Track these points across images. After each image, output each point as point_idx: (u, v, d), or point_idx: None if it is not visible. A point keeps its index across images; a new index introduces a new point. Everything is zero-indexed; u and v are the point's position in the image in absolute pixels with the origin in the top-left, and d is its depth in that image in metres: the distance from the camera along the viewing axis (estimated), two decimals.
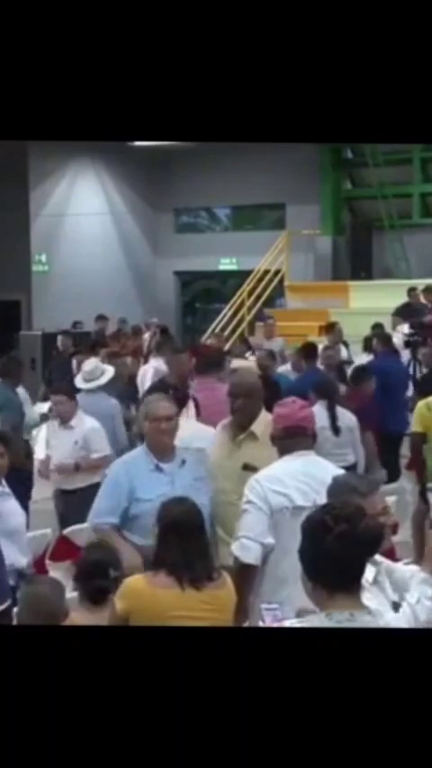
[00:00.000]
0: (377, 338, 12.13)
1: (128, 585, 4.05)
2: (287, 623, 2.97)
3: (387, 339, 12.01)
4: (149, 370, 11.20)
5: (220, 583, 4.08)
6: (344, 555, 2.85)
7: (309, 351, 11.12)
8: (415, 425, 8.03)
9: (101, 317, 17.89)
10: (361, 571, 2.92)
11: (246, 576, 4.67)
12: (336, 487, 4.04)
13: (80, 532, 6.90)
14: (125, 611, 3.99)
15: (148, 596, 3.98)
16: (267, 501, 4.66)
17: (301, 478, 4.71)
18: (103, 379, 8.89)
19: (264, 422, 5.38)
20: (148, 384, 9.92)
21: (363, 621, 2.85)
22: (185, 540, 4.05)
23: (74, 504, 7.46)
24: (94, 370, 8.94)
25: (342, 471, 4.98)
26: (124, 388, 10.42)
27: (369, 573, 3.58)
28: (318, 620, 2.87)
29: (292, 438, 4.82)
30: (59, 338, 15.70)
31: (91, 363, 9.21)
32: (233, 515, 4.99)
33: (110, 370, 9.10)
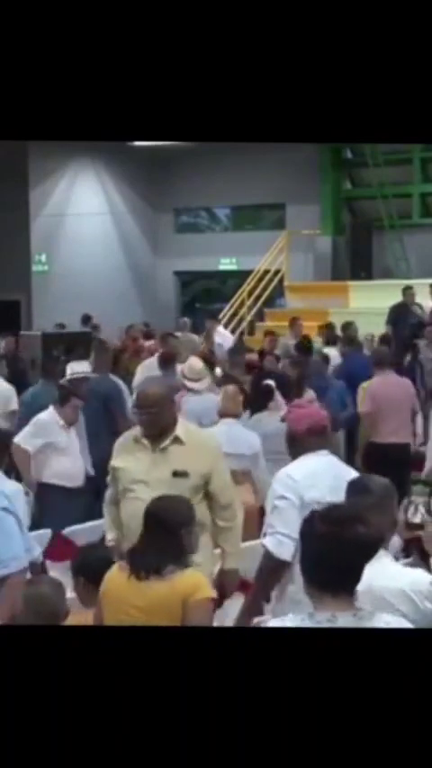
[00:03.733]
0: (343, 340, 12.31)
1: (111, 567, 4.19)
2: (271, 622, 2.97)
3: (351, 340, 12.35)
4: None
5: (167, 579, 3.95)
6: (330, 556, 2.85)
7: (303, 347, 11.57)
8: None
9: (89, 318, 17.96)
10: (351, 574, 2.89)
11: (279, 571, 4.67)
12: (350, 486, 4.05)
13: (81, 532, 6.93)
14: (101, 591, 4.13)
15: (109, 579, 4.12)
16: (300, 495, 4.66)
17: (328, 475, 4.76)
18: None
19: (183, 426, 5.30)
20: None
21: (344, 622, 2.84)
22: (148, 531, 4.12)
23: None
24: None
25: (352, 470, 5.05)
26: None
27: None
28: (298, 620, 2.89)
29: (317, 437, 4.90)
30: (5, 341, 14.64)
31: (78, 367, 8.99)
32: None
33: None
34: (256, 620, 4.83)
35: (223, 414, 7.55)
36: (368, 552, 2.94)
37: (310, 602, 2.94)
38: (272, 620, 2.98)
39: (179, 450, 5.19)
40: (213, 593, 4.09)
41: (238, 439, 7.31)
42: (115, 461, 5.35)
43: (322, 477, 4.73)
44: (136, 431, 5.37)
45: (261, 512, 7.58)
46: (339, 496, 4.61)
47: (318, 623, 2.84)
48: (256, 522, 7.07)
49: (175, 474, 5.10)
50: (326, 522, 2.88)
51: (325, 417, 5.09)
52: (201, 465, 5.17)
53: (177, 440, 5.20)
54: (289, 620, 2.92)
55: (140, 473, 5.15)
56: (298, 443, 4.96)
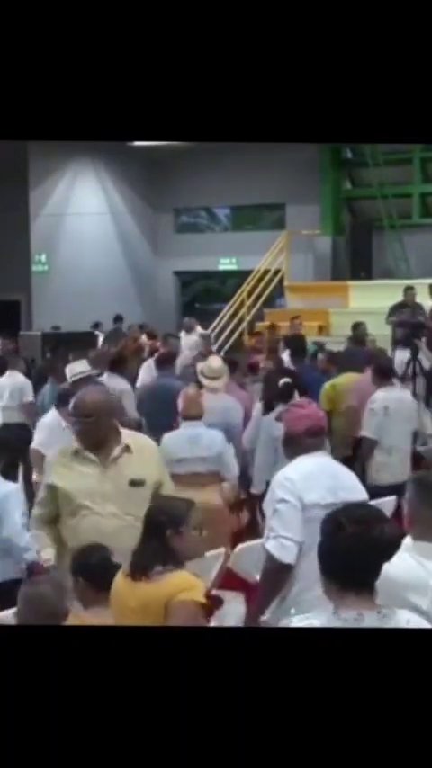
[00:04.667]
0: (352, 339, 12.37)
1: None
2: (295, 620, 2.98)
3: (359, 340, 12.45)
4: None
5: (153, 580, 3.93)
6: (355, 556, 2.88)
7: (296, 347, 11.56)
8: (323, 405, 8.58)
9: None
10: (374, 573, 2.93)
11: (283, 576, 4.64)
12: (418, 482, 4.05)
13: None
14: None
15: (115, 582, 4.10)
16: (300, 497, 4.64)
17: (325, 475, 4.76)
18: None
19: (128, 434, 5.13)
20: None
21: (370, 621, 2.87)
22: (142, 533, 4.12)
23: None
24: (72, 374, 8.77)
25: (347, 469, 5.04)
26: None
27: None
28: (325, 617, 2.90)
29: (314, 437, 4.89)
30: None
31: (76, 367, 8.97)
32: (129, 537, 4.54)
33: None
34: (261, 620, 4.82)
35: (185, 416, 7.42)
36: (392, 551, 2.96)
37: (329, 601, 2.95)
38: (295, 619, 2.97)
39: (130, 458, 4.99)
40: (200, 597, 3.91)
41: (200, 441, 7.23)
42: (53, 479, 5.03)
43: (320, 478, 4.73)
44: (74, 444, 5.06)
45: (236, 509, 7.62)
46: (338, 497, 4.64)
47: (345, 622, 2.86)
48: (224, 522, 7.08)
49: (133, 483, 4.92)
50: (352, 522, 2.90)
51: (323, 418, 5.08)
52: (153, 472, 5.04)
53: (127, 448, 5.00)
54: (315, 619, 2.92)
55: (93, 487, 4.91)
56: (296, 444, 4.94)
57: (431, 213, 20.26)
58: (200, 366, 8.37)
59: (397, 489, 7.38)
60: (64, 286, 20.72)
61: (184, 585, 3.90)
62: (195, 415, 7.38)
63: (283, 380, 8.46)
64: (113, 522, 4.85)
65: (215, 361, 8.78)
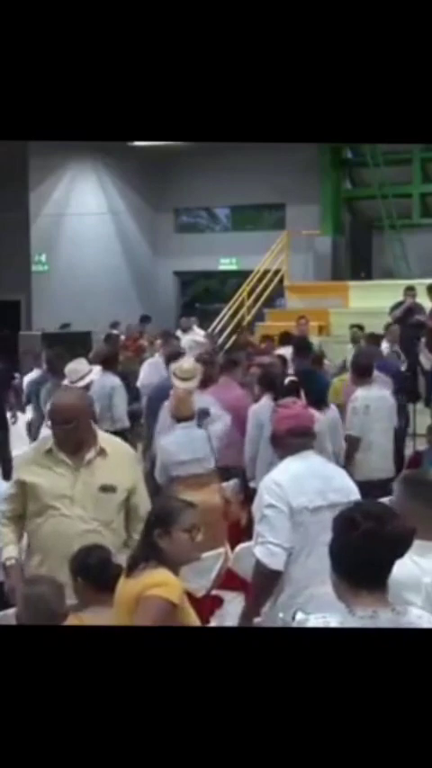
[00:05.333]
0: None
1: None
2: (312, 618, 2.97)
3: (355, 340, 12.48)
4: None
5: (135, 577, 3.92)
6: (369, 553, 2.88)
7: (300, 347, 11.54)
8: (332, 398, 8.89)
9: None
10: (387, 570, 2.94)
11: (273, 581, 4.64)
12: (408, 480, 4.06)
13: None
14: None
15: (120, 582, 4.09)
16: (288, 502, 4.62)
17: (313, 478, 4.73)
18: (86, 380, 8.76)
19: (104, 437, 5.03)
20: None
21: (385, 619, 2.87)
22: (141, 531, 4.13)
23: None
24: (75, 372, 8.79)
25: (337, 468, 5.04)
26: None
27: None
28: (340, 616, 2.90)
29: (299, 438, 4.85)
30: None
31: (73, 365, 9.00)
32: (93, 541, 4.61)
33: (95, 370, 8.97)
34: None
35: (178, 417, 7.41)
36: (405, 548, 2.97)
37: (339, 600, 2.96)
38: (312, 617, 2.96)
39: (104, 463, 4.89)
40: (171, 595, 3.82)
41: (196, 442, 7.22)
42: (25, 476, 4.94)
43: (308, 480, 4.70)
44: (48, 443, 4.96)
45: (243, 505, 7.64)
46: (327, 499, 4.64)
47: (360, 620, 2.85)
48: (221, 523, 7.10)
49: (104, 489, 4.84)
50: (367, 519, 2.90)
51: (310, 417, 5.01)
52: (126, 478, 4.94)
53: (102, 452, 4.90)
54: (332, 619, 2.92)
55: (64, 489, 4.82)
56: (281, 444, 4.93)
57: (431, 213, 20.26)
58: (172, 367, 8.42)
59: (373, 485, 7.51)
60: (64, 286, 20.72)
61: (155, 582, 3.84)
62: (188, 416, 7.35)
63: (289, 379, 8.50)
64: (79, 525, 4.77)
65: (187, 362, 8.85)
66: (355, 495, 4.79)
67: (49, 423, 5.08)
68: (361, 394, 8.74)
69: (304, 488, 4.66)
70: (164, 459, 7.21)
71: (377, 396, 8.88)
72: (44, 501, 4.82)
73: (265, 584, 4.67)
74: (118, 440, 5.39)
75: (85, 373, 8.82)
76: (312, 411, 5.10)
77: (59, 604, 4.17)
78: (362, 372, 9.00)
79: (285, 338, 13.05)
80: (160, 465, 7.25)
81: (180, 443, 7.22)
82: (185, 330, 16.23)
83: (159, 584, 3.84)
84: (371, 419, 8.61)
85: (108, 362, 10.34)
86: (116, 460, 4.92)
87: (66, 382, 8.82)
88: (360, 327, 14.01)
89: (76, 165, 21.52)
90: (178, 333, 15.82)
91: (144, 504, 4.99)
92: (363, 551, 2.88)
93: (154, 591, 3.80)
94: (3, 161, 18.70)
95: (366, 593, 2.90)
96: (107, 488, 4.84)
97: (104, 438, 5.03)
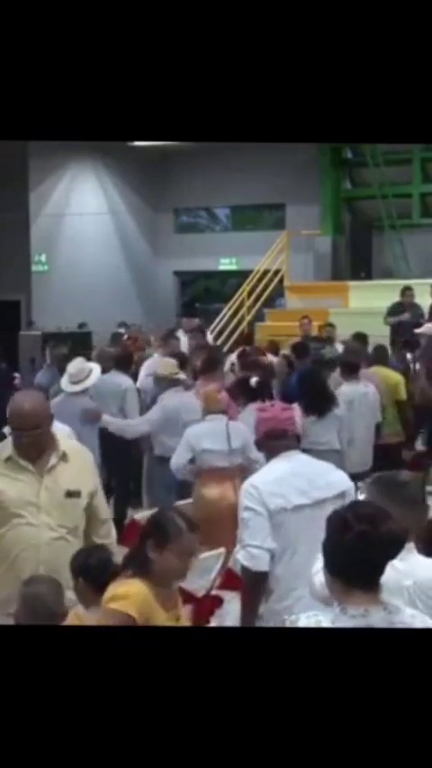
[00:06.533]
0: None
1: None
2: (303, 617, 2.98)
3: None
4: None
5: (116, 580, 3.91)
6: (362, 553, 2.90)
7: (300, 350, 11.82)
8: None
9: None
10: (381, 570, 2.96)
11: (260, 583, 4.66)
12: (378, 480, 4.05)
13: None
14: None
15: None
16: (265, 504, 4.64)
17: (295, 477, 4.74)
18: (90, 381, 8.74)
19: (63, 440, 4.90)
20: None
21: (377, 618, 2.90)
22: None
23: None
24: (79, 372, 8.76)
25: (326, 464, 5.03)
26: None
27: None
28: (332, 614, 2.92)
29: (277, 440, 4.86)
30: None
31: (75, 364, 8.95)
32: (61, 548, 4.61)
33: (96, 370, 8.96)
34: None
35: (208, 411, 7.67)
36: (398, 548, 2.99)
37: (332, 599, 2.98)
38: (303, 617, 2.98)
39: (66, 468, 4.74)
40: (129, 609, 3.72)
41: (219, 434, 7.42)
42: None
43: (288, 481, 4.71)
44: (6, 451, 4.74)
45: None
46: (311, 497, 4.66)
47: (352, 618, 2.88)
48: (233, 520, 7.12)
49: (69, 494, 4.71)
50: (360, 521, 2.91)
51: (288, 419, 4.96)
52: (89, 481, 4.86)
53: (64, 456, 4.75)
54: (323, 617, 2.94)
55: (28, 496, 4.65)
56: (262, 448, 4.97)
57: (431, 213, 20.26)
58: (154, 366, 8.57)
59: (353, 478, 7.64)
60: (64, 286, 20.72)
61: (118, 594, 3.79)
62: (217, 410, 7.59)
63: (255, 379, 8.64)
64: (46, 533, 4.66)
65: (168, 362, 9.02)
66: (347, 487, 4.82)
67: (7, 429, 4.86)
68: (345, 390, 9.12)
69: (283, 489, 4.68)
70: (188, 445, 7.48)
71: (362, 392, 9.22)
72: (9, 510, 4.66)
73: (253, 587, 4.69)
74: (76, 442, 5.32)
75: (89, 373, 8.79)
76: (293, 412, 5.09)
77: (58, 604, 4.17)
78: (348, 369, 9.40)
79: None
80: (183, 448, 7.49)
81: (203, 431, 7.48)
82: (189, 331, 16.19)
83: (120, 597, 3.78)
84: (354, 414, 8.93)
85: (120, 362, 10.32)
86: (78, 464, 4.81)
87: (67, 382, 8.74)
88: (331, 325, 14.64)
89: (76, 165, 21.51)
90: (179, 333, 15.81)
91: (103, 506, 4.96)
92: (356, 552, 2.90)
93: (112, 604, 3.77)
94: (3, 161, 18.70)
95: (360, 593, 2.92)
96: (72, 494, 4.72)
97: (64, 441, 4.91)
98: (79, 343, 14.96)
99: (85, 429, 8.23)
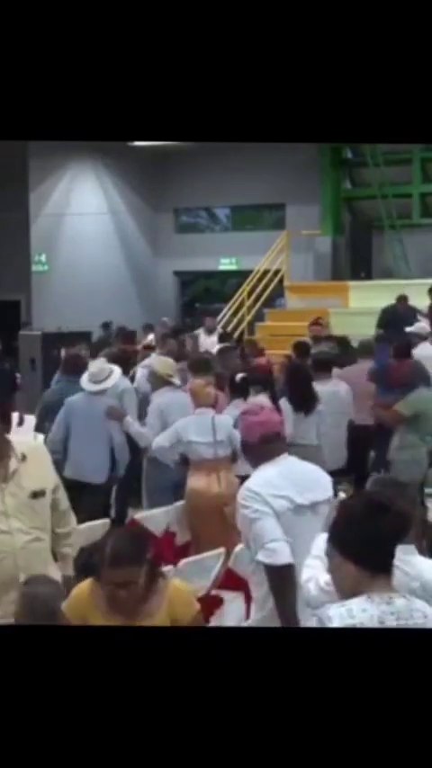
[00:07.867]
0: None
1: None
2: (333, 607, 2.98)
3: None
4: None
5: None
6: (393, 537, 2.97)
7: (301, 349, 11.88)
8: None
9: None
10: (394, 556, 3.02)
11: (289, 577, 4.53)
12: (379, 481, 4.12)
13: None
14: None
15: None
16: (270, 504, 4.60)
17: (290, 479, 4.72)
18: (110, 382, 8.75)
19: (18, 440, 4.84)
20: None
21: (399, 604, 2.95)
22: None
23: None
24: (100, 372, 8.75)
25: (317, 468, 5.03)
26: None
27: None
28: (359, 603, 2.94)
29: (271, 444, 4.81)
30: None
31: (97, 364, 8.96)
32: (38, 550, 4.67)
33: (117, 371, 9.00)
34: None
35: (195, 405, 7.94)
36: (408, 531, 3.09)
37: (355, 588, 2.99)
38: (333, 607, 2.98)
39: (27, 469, 4.71)
40: (65, 607, 4.01)
41: (205, 427, 7.64)
42: None
43: (280, 486, 4.67)
44: None
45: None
46: (307, 498, 4.65)
47: (378, 605, 2.93)
48: (222, 513, 7.31)
49: (35, 495, 4.70)
50: (393, 504, 2.99)
51: (278, 422, 4.98)
52: (49, 478, 4.87)
53: (24, 458, 4.70)
54: (355, 605, 2.95)
55: None
56: (253, 453, 4.88)
57: (431, 213, 20.27)
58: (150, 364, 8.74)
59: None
60: (64, 286, 20.72)
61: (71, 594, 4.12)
62: (205, 403, 7.83)
63: (239, 376, 8.76)
64: (20, 538, 4.64)
65: (166, 361, 9.17)
66: (326, 492, 4.83)
67: None
68: (317, 388, 9.39)
69: (283, 491, 4.65)
70: (178, 433, 7.69)
71: (330, 390, 9.66)
72: None
73: (282, 582, 4.55)
74: (29, 440, 5.30)
75: (109, 373, 8.77)
76: (280, 415, 5.13)
77: (58, 604, 4.17)
78: (319, 368, 9.89)
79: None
80: (169, 434, 7.72)
81: (190, 423, 7.69)
82: (210, 332, 16.13)
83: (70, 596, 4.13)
84: (323, 411, 9.19)
85: (120, 364, 10.26)
86: (37, 463, 4.79)
87: (88, 381, 8.66)
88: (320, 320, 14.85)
89: (76, 165, 21.52)
90: (199, 331, 15.86)
91: (63, 498, 4.98)
92: (387, 536, 2.96)
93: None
94: (3, 161, 18.71)
95: (384, 581, 2.98)
96: (37, 494, 4.72)
97: (18, 442, 4.85)
98: (104, 343, 14.82)
99: (115, 427, 8.50)
